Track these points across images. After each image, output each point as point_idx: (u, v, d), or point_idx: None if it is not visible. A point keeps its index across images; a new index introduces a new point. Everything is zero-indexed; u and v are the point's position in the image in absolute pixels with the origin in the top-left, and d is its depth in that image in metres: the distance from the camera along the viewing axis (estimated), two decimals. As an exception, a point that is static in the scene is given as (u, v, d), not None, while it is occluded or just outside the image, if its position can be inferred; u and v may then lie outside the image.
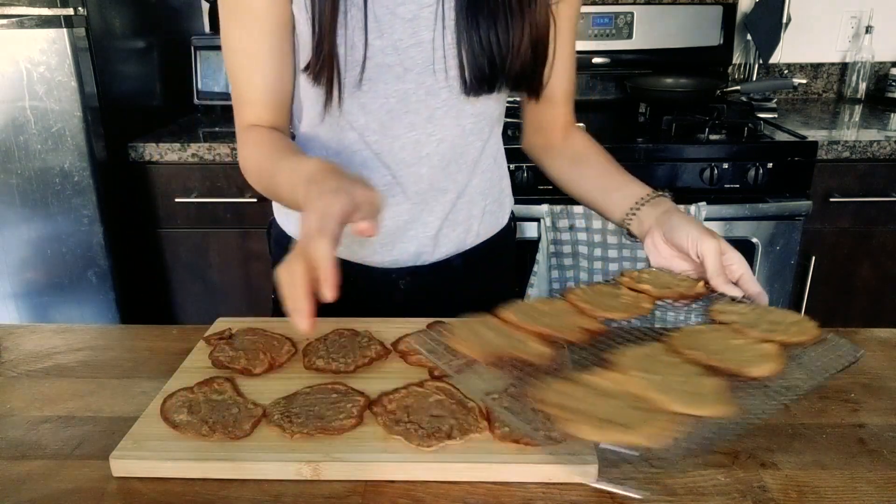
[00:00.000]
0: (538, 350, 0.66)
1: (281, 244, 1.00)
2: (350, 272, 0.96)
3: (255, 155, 0.86)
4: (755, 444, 0.65)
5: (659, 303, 0.77)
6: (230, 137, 1.89)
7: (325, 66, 0.82)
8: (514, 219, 1.11)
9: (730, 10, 2.29)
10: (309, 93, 0.87)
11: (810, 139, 1.85)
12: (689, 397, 0.56)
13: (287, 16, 0.83)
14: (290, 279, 0.61)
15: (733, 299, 0.77)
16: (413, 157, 0.89)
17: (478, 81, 0.85)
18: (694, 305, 0.80)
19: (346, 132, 0.88)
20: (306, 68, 0.84)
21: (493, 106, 0.92)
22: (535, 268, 1.84)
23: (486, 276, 1.02)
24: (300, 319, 0.60)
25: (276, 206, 1.02)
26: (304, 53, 0.84)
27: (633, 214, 0.89)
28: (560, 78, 0.96)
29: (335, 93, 0.84)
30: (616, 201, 0.93)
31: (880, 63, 2.39)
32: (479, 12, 0.81)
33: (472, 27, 0.82)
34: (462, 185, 0.94)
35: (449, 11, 0.82)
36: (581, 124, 1.06)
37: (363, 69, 0.83)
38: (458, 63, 0.84)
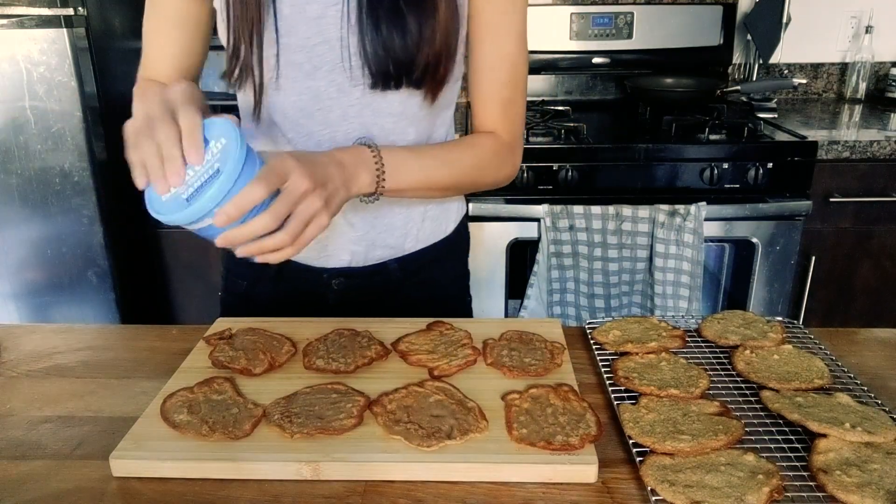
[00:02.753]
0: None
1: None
2: (285, 269, 0.97)
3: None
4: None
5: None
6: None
7: (242, 73, 0.83)
8: (466, 224, 1.07)
9: (730, 10, 2.29)
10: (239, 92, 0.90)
11: (810, 139, 1.85)
12: None
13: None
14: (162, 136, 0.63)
15: None
16: None
17: (382, 78, 0.83)
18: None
19: (271, 127, 0.90)
20: (224, 75, 0.85)
21: (413, 106, 0.88)
22: (535, 268, 1.84)
23: (428, 283, 1.01)
24: (172, 173, 0.63)
25: None
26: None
27: None
28: (484, 80, 0.90)
29: (254, 97, 0.86)
30: None
31: (880, 63, 2.39)
32: (381, 9, 0.80)
33: (372, 25, 0.81)
34: None
35: (353, 10, 0.81)
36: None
37: (277, 69, 0.84)
38: (361, 60, 0.83)
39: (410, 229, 0.96)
